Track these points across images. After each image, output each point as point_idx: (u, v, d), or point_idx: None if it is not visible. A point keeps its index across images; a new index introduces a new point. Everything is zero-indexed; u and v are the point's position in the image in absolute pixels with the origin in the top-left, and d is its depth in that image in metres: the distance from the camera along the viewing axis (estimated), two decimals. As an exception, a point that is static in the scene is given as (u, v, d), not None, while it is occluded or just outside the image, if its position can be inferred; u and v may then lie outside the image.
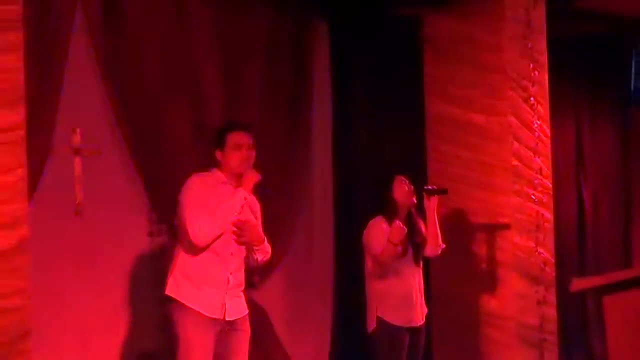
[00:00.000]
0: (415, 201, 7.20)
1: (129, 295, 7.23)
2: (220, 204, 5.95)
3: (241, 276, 6.22)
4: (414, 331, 7.15)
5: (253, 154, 6.11)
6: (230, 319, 6.09)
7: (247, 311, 6.24)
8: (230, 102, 7.76)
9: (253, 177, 6.01)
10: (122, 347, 7.13)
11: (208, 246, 5.95)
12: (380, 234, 7.01)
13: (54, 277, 6.80)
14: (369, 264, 7.10)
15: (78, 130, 6.98)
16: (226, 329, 6.08)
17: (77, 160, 6.97)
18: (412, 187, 7.17)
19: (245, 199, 6.02)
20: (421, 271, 7.25)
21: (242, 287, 6.25)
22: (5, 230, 5.56)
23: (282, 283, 8.20)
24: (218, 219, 5.93)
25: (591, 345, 10.51)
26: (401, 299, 7.05)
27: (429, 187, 7.37)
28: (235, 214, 6.00)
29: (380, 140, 8.85)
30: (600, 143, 11.22)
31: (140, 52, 7.23)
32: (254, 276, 7.69)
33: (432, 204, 7.21)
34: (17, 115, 5.65)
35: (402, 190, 7.11)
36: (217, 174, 6.11)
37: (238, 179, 6.06)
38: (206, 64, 7.63)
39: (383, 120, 8.87)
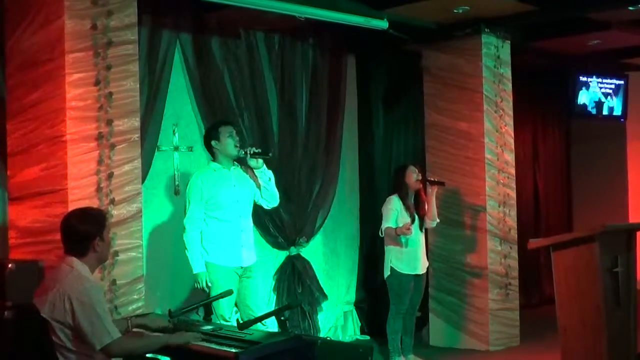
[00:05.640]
0: (422, 186, 7.10)
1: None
2: None
3: (250, 233, 5.96)
4: (417, 278, 7.06)
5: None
6: (245, 266, 5.86)
7: (255, 259, 5.98)
8: (284, 113, 7.67)
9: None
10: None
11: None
12: (392, 209, 6.92)
13: (158, 237, 6.77)
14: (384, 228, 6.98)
15: (176, 132, 6.96)
16: (243, 276, 5.85)
17: (176, 155, 6.96)
18: (420, 175, 7.08)
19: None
20: (424, 235, 7.16)
21: (252, 241, 5.99)
22: (126, 204, 5.56)
23: (322, 242, 8.11)
24: None
25: (542, 287, 10.43)
26: (409, 254, 6.96)
27: (431, 178, 7.22)
28: None
29: (391, 139, 8.73)
30: (550, 143, 11.14)
31: (221, 78, 7.16)
32: (303, 237, 7.65)
33: (432, 190, 7.10)
34: (134, 122, 5.64)
35: (412, 176, 7.00)
36: (213, 164, 5.92)
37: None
38: (267, 86, 7.53)
39: (394, 125, 8.77)
